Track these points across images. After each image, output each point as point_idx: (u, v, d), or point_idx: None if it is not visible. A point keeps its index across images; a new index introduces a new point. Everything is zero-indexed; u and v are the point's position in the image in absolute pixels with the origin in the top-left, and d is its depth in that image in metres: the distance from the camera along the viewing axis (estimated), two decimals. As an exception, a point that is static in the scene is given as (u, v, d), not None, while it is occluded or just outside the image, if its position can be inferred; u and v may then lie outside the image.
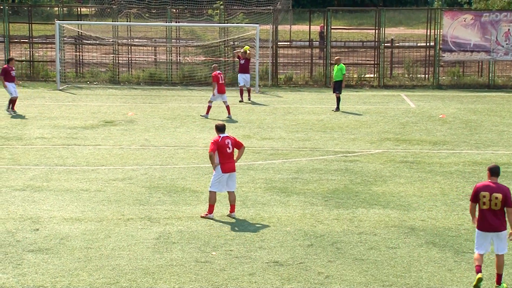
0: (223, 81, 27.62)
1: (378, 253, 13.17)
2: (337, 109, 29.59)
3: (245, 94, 32.35)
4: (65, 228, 14.45)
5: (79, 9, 45.70)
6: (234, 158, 15.33)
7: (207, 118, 27.44)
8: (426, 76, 39.01)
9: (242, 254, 13.07)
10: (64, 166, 19.79)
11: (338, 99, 29.70)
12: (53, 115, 28.19)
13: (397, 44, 44.74)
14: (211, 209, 15.20)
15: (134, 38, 42.09)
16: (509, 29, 36.77)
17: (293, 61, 41.64)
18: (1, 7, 39.76)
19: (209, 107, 27.66)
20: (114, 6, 39.96)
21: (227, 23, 38.90)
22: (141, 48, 42.07)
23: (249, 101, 31.85)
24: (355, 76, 38.72)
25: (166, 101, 32.47)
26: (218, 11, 39.53)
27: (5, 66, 28.71)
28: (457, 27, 36.93)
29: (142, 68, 39.75)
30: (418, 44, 44.46)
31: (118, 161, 20.45)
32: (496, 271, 11.67)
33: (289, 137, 24.00)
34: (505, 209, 11.49)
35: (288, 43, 46.37)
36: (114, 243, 13.57)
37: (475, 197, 11.62)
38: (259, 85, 36.24)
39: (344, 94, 31.02)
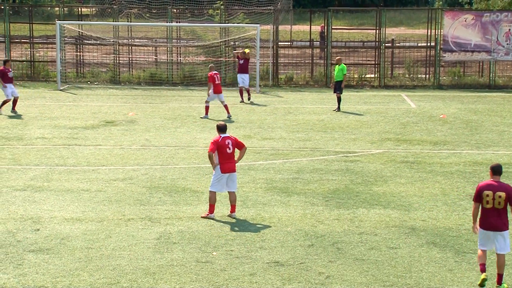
0: (219, 81, 27.65)
1: (378, 253, 13.17)
2: (338, 109, 29.59)
3: (245, 95, 32.35)
4: (65, 228, 14.45)
5: (79, 9, 45.70)
6: (235, 159, 15.32)
7: (208, 118, 27.45)
8: (427, 76, 39.01)
9: (243, 254, 13.07)
10: (64, 166, 19.79)
11: (339, 99, 29.70)
12: (53, 115, 28.19)
13: (398, 44, 44.74)
14: (211, 209, 15.21)
15: (134, 38, 42.10)
16: (509, 29, 36.76)
17: (293, 61, 41.64)
18: (2, 7, 39.77)
19: (207, 107, 27.70)
20: (114, 6, 39.97)
21: (227, 23, 38.90)
22: (141, 48, 42.08)
23: (249, 102, 31.83)
24: (355, 76, 38.72)
25: (166, 101, 32.48)
26: (219, 11, 39.54)
27: (1, 68, 28.62)
28: (458, 27, 36.92)
29: (142, 68, 39.75)
30: (419, 44, 44.47)
31: (118, 161, 20.46)
32: (496, 271, 11.67)
33: (289, 137, 24.00)
34: (508, 207, 11.52)
35: (289, 43, 46.38)
36: (115, 243, 13.57)
37: (478, 197, 11.62)
38: (260, 85, 36.24)
39: (345, 94, 31.01)
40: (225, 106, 27.77)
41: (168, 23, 38.65)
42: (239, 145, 15.35)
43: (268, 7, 39.65)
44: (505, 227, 11.61)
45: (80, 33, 39.63)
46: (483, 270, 11.67)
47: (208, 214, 15.19)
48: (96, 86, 37.42)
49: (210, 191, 15.23)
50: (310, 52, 41.15)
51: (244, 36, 39.11)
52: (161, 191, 17.24)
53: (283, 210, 15.76)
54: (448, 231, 14.50)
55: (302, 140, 23.54)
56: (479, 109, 30.55)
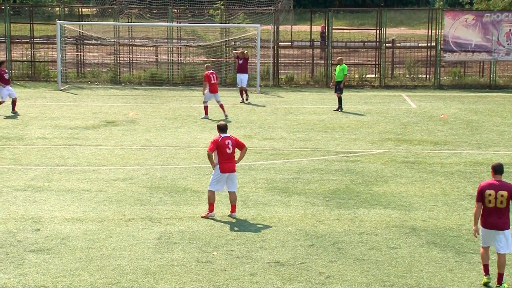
0: (215, 81, 27.67)
1: (379, 253, 13.17)
2: (340, 109, 29.57)
3: (233, 95, 32.32)
4: (66, 228, 14.46)
5: (80, 9, 45.71)
6: (236, 159, 15.32)
7: (208, 118, 27.45)
8: (427, 76, 39.00)
9: (243, 254, 13.07)
10: (65, 166, 19.80)
11: (340, 99, 29.69)
12: (54, 115, 28.20)
13: (398, 44, 44.73)
14: (211, 207, 15.23)
15: (135, 38, 42.11)
16: (510, 30, 36.75)
17: (294, 61, 41.64)
18: (2, 7, 39.77)
19: (206, 107, 27.72)
20: (115, 6, 39.97)
21: (228, 23, 38.91)
22: (142, 48, 42.09)
23: (246, 102, 31.79)
24: (356, 76, 38.73)
25: (167, 101, 32.48)
26: (219, 12, 39.54)
27: None
28: (459, 27, 36.92)
29: (143, 68, 39.77)
30: (419, 44, 44.48)
31: (119, 161, 20.46)
32: (497, 270, 11.67)
33: (290, 137, 24.00)
34: (510, 206, 11.54)
35: (289, 43, 46.40)
36: (115, 243, 13.57)
37: (481, 196, 11.63)
38: (260, 85, 36.24)
39: (345, 94, 31.00)
40: (221, 106, 27.79)
41: (168, 23, 38.66)
42: (240, 146, 15.34)
43: (269, 7, 39.65)
44: (507, 226, 11.63)
45: (81, 33, 39.64)
46: (486, 272, 11.76)
47: (208, 214, 15.20)
48: (97, 86, 37.42)
49: (208, 190, 15.25)
50: (311, 52, 41.16)
51: (244, 36, 39.12)
52: (161, 191, 17.25)
53: (283, 210, 15.76)
54: (448, 231, 14.50)
55: (302, 140, 23.54)
56: (479, 109, 30.54)
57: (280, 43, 40.11)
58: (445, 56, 37.55)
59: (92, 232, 14.19)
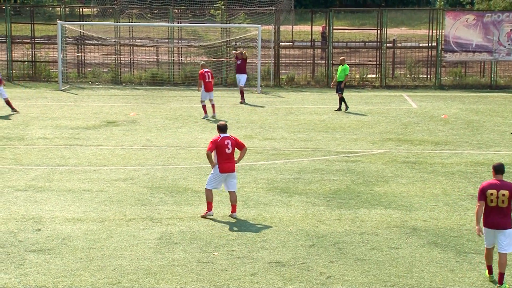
0: (210, 79, 27.72)
1: (380, 254, 13.17)
2: (341, 108, 29.57)
3: (233, 96, 32.31)
4: (67, 228, 14.46)
5: (81, 9, 45.74)
6: (235, 159, 15.32)
7: (208, 118, 27.47)
8: (428, 76, 39.01)
9: (244, 255, 13.07)
10: (66, 166, 19.80)
11: (342, 99, 29.66)
12: (55, 115, 28.21)
13: (399, 45, 44.74)
14: (209, 206, 15.23)
15: (136, 38, 42.13)
16: (511, 30, 36.75)
17: (295, 61, 41.65)
18: (3, 7, 39.77)
19: (204, 107, 27.76)
20: (116, 7, 39.99)
21: (229, 23, 38.91)
22: (143, 48, 42.11)
23: (239, 102, 31.73)
24: (357, 76, 38.73)
25: (168, 101, 32.49)
26: (220, 12, 39.54)
27: None
28: (459, 28, 36.91)
29: (144, 69, 39.78)
30: (420, 45, 44.46)
31: (120, 161, 20.46)
32: (498, 270, 11.68)
33: (291, 138, 24.00)
34: None
35: (290, 43, 46.38)
36: (116, 244, 13.57)
37: (483, 195, 11.64)
38: (261, 86, 36.25)
39: (346, 94, 30.98)
40: (212, 106, 27.83)
41: (169, 24, 38.67)
42: (239, 146, 15.33)
43: (270, 8, 39.66)
44: (509, 226, 11.65)
45: (82, 34, 39.66)
46: (490, 272, 11.88)
47: (207, 213, 15.21)
48: (98, 86, 37.43)
49: (205, 188, 15.25)
50: (312, 52, 41.16)
51: (245, 37, 39.13)
52: (162, 191, 17.25)
53: (284, 210, 15.76)
54: (449, 231, 14.50)
55: (303, 140, 23.54)
56: (480, 110, 30.54)
57: (281, 43, 40.11)
58: (446, 56, 37.55)
59: (93, 232, 14.19)
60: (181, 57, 39.70)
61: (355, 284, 11.81)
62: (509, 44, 36.80)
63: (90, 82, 38.22)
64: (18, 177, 18.43)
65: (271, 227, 14.64)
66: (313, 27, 41.57)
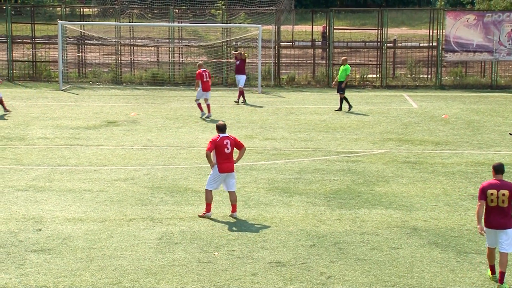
0: (208, 79, 27.78)
1: (380, 254, 13.17)
2: (350, 107, 29.51)
3: (231, 95, 32.30)
4: (67, 228, 14.46)
5: (81, 9, 45.73)
6: (234, 159, 15.32)
7: (205, 114, 27.44)
8: (429, 76, 39.00)
9: (245, 254, 13.07)
10: (66, 166, 19.80)
11: (344, 99, 29.62)
12: (55, 115, 28.21)
13: (400, 45, 44.75)
14: (208, 207, 15.24)
15: (136, 38, 42.14)
16: (511, 29, 36.73)
17: (295, 61, 41.65)
18: (4, 7, 39.78)
19: (199, 105, 27.81)
20: (116, 7, 39.99)
21: (229, 23, 38.91)
22: (143, 48, 42.11)
23: (235, 102, 31.70)
24: (357, 76, 38.72)
25: (168, 101, 32.50)
26: (221, 12, 39.54)
27: None
28: (460, 28, 36.90)
29: (144, 68, 39.78)
30: (421, 45, 44.46)
31: (120, 161, 20.47)
32: (499, 269, 11.69)
33: (291, 137, 24.00)
34: None
35: (291, 43, 46.38)
36: (117, 243, 13.57)
37: (483, 195, 11.67)
38: (262, 86, 36.25)
39: (347, 94, 30.94)
40: (208, 106, 27.86)
41: (170, 23, 38.67)
42: (238, 145, 15.33)
43: (270, 7, 39.66)
44: (509, 225, 11.67)
45: (82, 33, 39.66)
46: (492, 272, 11.91)
47: (205, 213, 15.22)
48: (98, 86, 37.44)
49: (206, 189, 15.26)
50: (312, 52, 41.15)
51: (246, 36, 39.13)
52: (163, 191, 17.25)
53: (285, 210, 15.76)
54: (450, 231, 14.49)
55: (304, 140, 23.54)
56: (481, 109, 30.53)
57: (281, 43, 40.10)
58: (446, 56, 37.53)
59: (93, 232, 14.20)
60: (182, 57, 39.70)
61: (355, 284, 11.81)
62: (509, 44, 36.79)
63: (91, 82, 38.22)
64: (19, 177, 18.44)
65: (272, 227, 14.64)
66: (313, 27, 41.57)
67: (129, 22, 40.17)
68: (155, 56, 41.04)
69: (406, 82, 38.45)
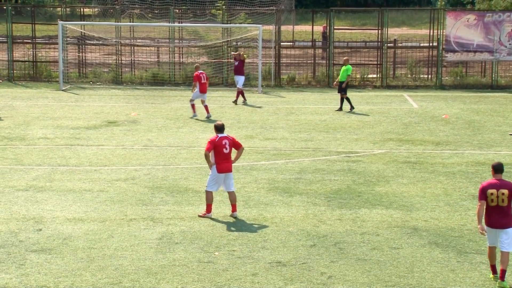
0: (205, 81, 27.84)
1: (381, 254, 13.17)
2: (351, 108, 29.48)
3: (235, 96, 32.28)
4: (68, 228, 14.46)
5: (82, 9, 45.73)
6: (232, 159, 15.34)
7: (207, 118, 27.46)
8: (429, 76, 39.00)
9: (245, 254, 13.07)
10: (67, 166, 19.81)
11: (347, 100, 29.57)
12: (56, 115, 28.22)
13: (400, 45, 44.72)
14: (209, 208, 15.25)
15: (137, 38, 42.13)
16: (512, 29, 36.75)
17: (295, 61, 41.65)
18: (4, 7, 39.78)
19: (193, 106, 27.86)
20: (117, 7, 39.99)
21: (229, 23, 38.91)
22: (144, 48, 42.11)
23: (233, 102, 31.66)
24: (358, 76, 38.71)
25: (169, 101, 32.50)
26: (221, 12, 39.54)
27: None
28: (460, 27, 36.90)
29: (145, 69, 39.78)
30: (421, 45, 44.44)
31: (121, 161, 20.47)
32: (500, 267, 11.71)
33: (291, 138, 24.00)
34: None
35: (291, 43, 46.38)
36: (117, 243, 13.58)
37: (484, 195, 11.69)
38: (262, 86, 36.24)
39: (348, 94, 30.96)
40: (205, 107, 27.88)
41: (170, 24, 38.67)
42: (236, 145, 15.36)
43: (270, 7, 39.65)
44: (510, 224, 11.69)
45: (82, 34, 39.67)
46: (494, 271, 11.92)
47: (205, 214, 15.22)
48: (98, 86, 37.44)
49: (206, 191, 15.26)
50: (312, 52, 41.13)
51: (246, 37, 39.12)
52: (163, 191, 17.25)
53: (285, 210, 15.76)
54: (450, 231, 14.49)
55: (304, 140, 23.54)
56: (481, 109, 30.53)
57: (281, 43, 40.10)
58: (446, 56, 37.53)
59: (93, 232, 14.20)
60: (182, 57, 39.70)
61: (356, 284, 11.81)
62: (510, 44, 36.78)
63: (91, 82, 38.22)
64: (19, 177, 18.44)
65: (272, 227, 14.64)
66: (314, 27, 41.55)
67: (130, 22, 40.17)
68: (156, 56, 41.04)
69: (406, 82, 38.45)
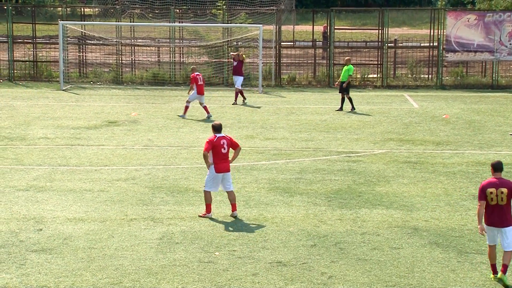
0: (202, 82, 27.85)
1: (381, 254, 13.17)
2: (352, 108, 29.46)
3: (233, 96, 32.27)
4: (68, 228, 14.47)
5: (82, 9, 45.70)
6: (230, 158, 15.36)
7: (185, 118, 27.40)
8: (430, 76, 38.99)
9: (245, 254, 13.07)
10: (67, 166, 19.81)
11: (349, 100, 29.55)
12: (56, 115, 28.22)
13: (401, 44, 44.70)
14: (208, 208, 15.26)
15: (137, 38, 42.13)
16: (512, 29, 36.74)
17: (296, 61, 41.64)
18: (5, 7, 39.77)
19: (187, 107, 27.88)
20: (117, 7, 39.99)
21: (230, 23, 38.91)
22: (144, 48, 42.11)
23: (233, 104, 31.63)
24: (358, 76, 38.71)
25: (169, 101, 32.50)
26: (221, 11, 39.54)
27: None
28: (461, 27, 36.89)
29: (145, 68, 39.78)
30: (422, 44, 44.43)
31: (121, 161, 20.47)
32: (502, 262, 11.77)
33: (292, 137, 24.00)
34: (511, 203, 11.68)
35: (291, 43, 46.38)
36: (117, 243, 13.58)
37: (483, 195, 11.72)
38: (262, 86, 36.24)
39: (349, 94, 30.96)
40: (204, 107, 27.89)
41: (170, 23, 38.67)
42: (234, 145, 15.39)
43: (271, 7, 39.65)
44: (510, 223, 11.70)
45: (83, 33, 39.67)
46: (494, 271, 11.92)
47: (205, 214, 15.23)
48: (99, 86, 37.44)
49: (204, 191, 15.27)
50: (313, 52, 41.12)
51: (246, 36, 39.12)
52: (163, 191, 17.25)
53: (285, 210, 15.76)
54: (450, 231, 14.49)
55: (304, 140, 23.54)
56: (482, 109, 30.52)
57: (282, 43, 40.09)
58: (447, 56, 37.52)
59: (94, 232, 14.20)
60: (183, 57, 39.70)
61: (356, 284, 11.81)
62: (510, 44, 36.77)
63: (92, 82, 38.22)
64: (20, 177, 18.44)
65: (273, 227, 14.64)
66: (314, 27, 41.55)
67: (130, 22, 40.18)
68: (156, 56, 41.05)
69: (407, 82, 38.44)
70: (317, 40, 45.90)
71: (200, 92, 27.74)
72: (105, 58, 41.38)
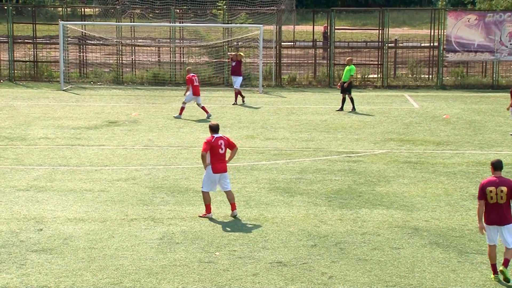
0: (197, 83, 27.86)
1: (381, 254, 13.17)
2: (353, 109, 29.46)
3: (233, 96, 32.28)
4: (68, 228, 14.47)
5: (83, 9, 45.68)
6: (227, 159, 15.38)
7: (181, 118, 27.39)
8: (430, 76, 38.98)
9: (246, 254, 13.07)
10: (67, 166, 19.81)
11: (350, 100, 29.54)
12: (56, 115, 28.22)
13: (401, 45, 44.68)
14: (208, 208, 15.27)
15: (137, 38, 42.12)
16: (513, 29, 36.74)
17: (296, 61, 41.63)
18: (5, 7, 39.78)
19: (182, 108, 27.85)
20: (118, 7, 39.99)
21: (230, 23, 38.90)
22: (144, 48, 42.09)
23: (233, 104, 31.59)
24: (358, 76, 38.70)
25: (169, 101, 32.50)
26: (222, 11, 39.54)
27: None
28: (461, 28, 36.88)
29: (145, 69, 39.77)
30: (422, 45, 44.40)
31: (121, 161, 20.47)
32: (504, 256, 11.82)
33: (292, 138, 24.00)
34: (511, 201, 11.70)
35: (292, 43, 46.36)
36: (118, 243, 13.58)
37: (483, 194, 11.77)
38: (263, 86, 36.23)
39: (351, 94, 30.96)
40: (203, 108, 27.88)
41: (171, 24, 38.67)
42: (231, 146, 15.43)
43: (271, 7, 39.65)
44: (510, 221, 11.71)
45: (83, 34, 39.66)
46: (494, 271, 11.93)
47: (205, 214, 15.24)
48: (99, 86, 37.44)
49: (202, 191, 15.28)
50: (313, 52, 41.10)
51: (247, 36, 39.11)
52: (164, 191, 17.25)
53: (286, 210, 15.76)
54: (451, 231, 14.49)
55: (305, 140, 23.54)
56: (482, 109, 30.52)
57: (282, 43, 40.08)
58: (447, 56, 37.51)
59: (94, 232, 14.20)
60: (183, 57, 39.69)
61: (356, 284, 11.81)
62: (511, 44, 36.76)
63: (92, 82, 38.22)
64: (20, 177, 18.45)
65: (273, 227, 14.64)
66: (314, 27, 41.53)
67: (130, 22, 40.16)
68: (156, 56, 41.04)
69: (407, 82, 38.43)
70: (318, 40, 45.88)
71: (196, 93, 27.73)
72: (106, 58, 41.37)
